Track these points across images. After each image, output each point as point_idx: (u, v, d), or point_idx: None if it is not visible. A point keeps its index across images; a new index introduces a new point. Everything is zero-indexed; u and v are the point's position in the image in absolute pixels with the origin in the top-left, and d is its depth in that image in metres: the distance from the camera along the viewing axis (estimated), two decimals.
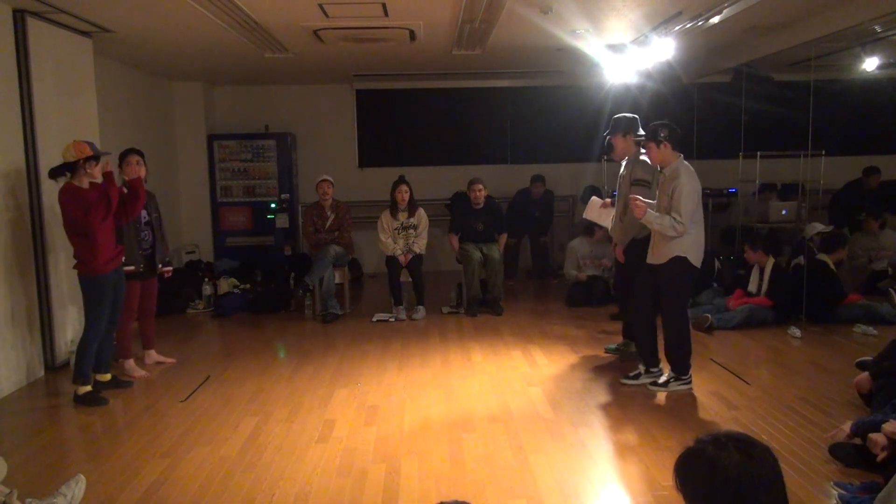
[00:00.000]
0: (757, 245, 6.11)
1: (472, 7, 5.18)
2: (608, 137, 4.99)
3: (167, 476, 3.31)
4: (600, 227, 7.09)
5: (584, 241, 7.22)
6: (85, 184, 4.32)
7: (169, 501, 3.07)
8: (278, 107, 9.05)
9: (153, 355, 5.25)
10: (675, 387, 4.39)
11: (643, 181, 4.71)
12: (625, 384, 4.53)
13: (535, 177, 8.33)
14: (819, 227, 6.38)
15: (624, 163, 4.96)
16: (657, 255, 4.39)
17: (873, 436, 3.06)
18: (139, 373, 4.97)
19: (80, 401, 4.36)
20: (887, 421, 3.09)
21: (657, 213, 4.26)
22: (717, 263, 7.15)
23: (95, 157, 4.29)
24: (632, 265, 4.74)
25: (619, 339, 5.30)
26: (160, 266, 5.19)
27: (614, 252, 5.10)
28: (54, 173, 4.34)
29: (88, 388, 4.40)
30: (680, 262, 4.27)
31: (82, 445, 3.85)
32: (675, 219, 4.17)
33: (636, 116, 4.91)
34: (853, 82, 8.30)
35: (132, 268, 4.85)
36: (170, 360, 5.28)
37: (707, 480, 1.46)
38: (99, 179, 4.38)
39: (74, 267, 4.43)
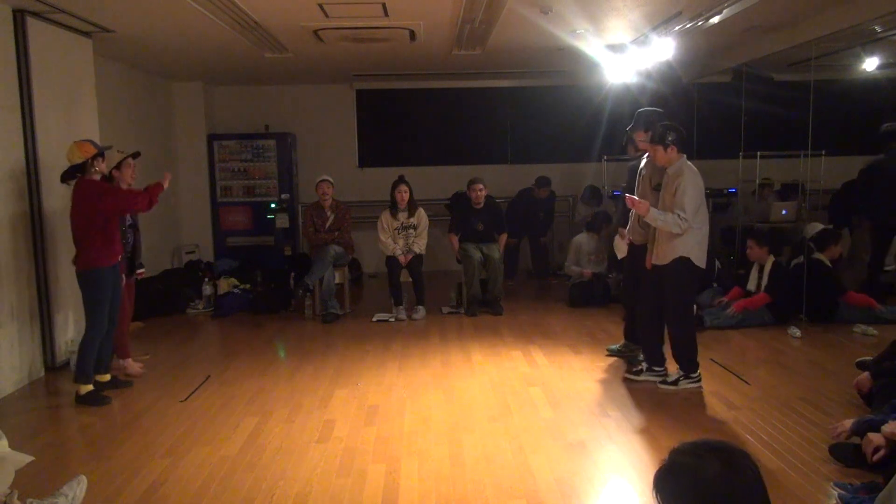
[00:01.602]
0: (763, 241, 6.10)
1: (472, 7, 5.18)
2: (630, 132, 4.89)
3: (167, 476, 3.31)
4: (608, 225, 7.13)
5: (589, 238, 7.20)
6: (96, 178, 4.37)
7: (169, 501, 3.07)
8: (278, 107, 9.05)
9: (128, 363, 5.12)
10: (686, 385, 4.41)
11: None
12: (629, 379, 4.56)
13: (540, 179, 8.27)
14: (820, 226, 6.38)
15: (644, 161, 4.82)
16: (660, 256, 4.39)
17: (871, 435, 3.06)
18: (135, 368, 5.00)
19: (83, 400, 4.36)
20: (887, 422, 3.09)
21: (660, 211, 4.26)
22: (717, 263, 7.16)
23: (101, 154, 4.34)
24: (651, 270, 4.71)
25: (621, 339, 5.29)
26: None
27: (627, 240, 5.04)
28: (66, 177, 4.36)
29: (90, 387, 4.40)
30: (683, 262, 4.27)
31: (82, 445, 3.85)
32: (678, 215, 4.18)
33: (660, 111, 4.81)
34: (853, 82, 8.29)
35: None
36: (138, 364, 5.12)
37: (689, 494, 1.42)
38: (106, 171, 4.44)
39: (75, 262, 4.42)
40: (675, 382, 4.43)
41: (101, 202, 4.28)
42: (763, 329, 5.84)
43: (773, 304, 5.94)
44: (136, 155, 4.80)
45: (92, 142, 4.40)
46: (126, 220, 5.01)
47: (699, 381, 4.43)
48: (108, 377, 4.63)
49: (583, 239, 7.21)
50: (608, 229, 7.08)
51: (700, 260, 4.32)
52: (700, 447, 1.46)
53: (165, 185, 4.54)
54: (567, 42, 6.29)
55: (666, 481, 1.49)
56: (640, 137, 4.79)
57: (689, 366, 4.43)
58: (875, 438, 3.02)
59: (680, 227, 4.19)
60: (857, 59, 6.85)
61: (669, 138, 4.28)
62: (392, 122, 9.37)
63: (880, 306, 5.97)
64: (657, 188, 4.56)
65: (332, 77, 8.68)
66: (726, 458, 1.43)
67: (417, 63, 7.68)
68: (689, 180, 4.23)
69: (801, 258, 6.03)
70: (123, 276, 4.91)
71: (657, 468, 1.52)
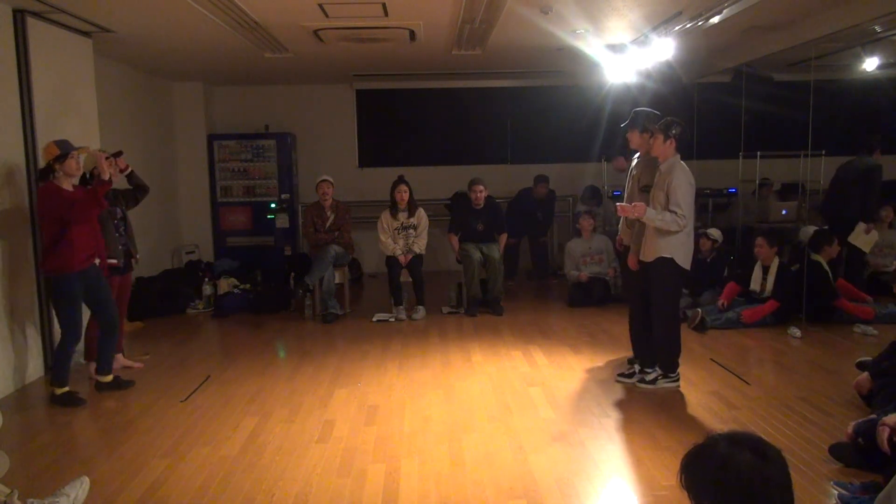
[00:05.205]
0: (773, 241, 6.09)
1: (472, 7, 5.18)
2: (625, 131, 4.85)
3: (167, 476, 3.31)
4: (590, 220, 7.15)
5: (578, 241, 7.23)
6: (67, 185, 4.32)
7: (169, 501, 3.07)
8: (278, 107, 9.05)
9: (120, 359, 5.12)
10: (664, 384, 4.42)
11: (650, 187, 4.64)
12: (619, 381, 4.58)
13: (538, 177, 8.30)
14: (812, 229, 6.38)
15: (635, 161, 4.80)
16: (646, 253, 4.39)
17: (886, 419, 3.01)
18: (126, 363, 5.03)
19: (57, 401, 4.35)
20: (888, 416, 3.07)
21: (656, 211, 4.26)
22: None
23: (62, 156, 4.25)
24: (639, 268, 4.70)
25: (622, 339, 5.29)
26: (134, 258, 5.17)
27: (620, 246, 5.03)
28: (39, 179, 4.39)
29: (66, 388, 4.39)
30: (666, 262, 4.27)
31: (82, 445, 3.85)
32: (675, 213, 4.17)
33: (658, 113, 4.73)
34: (853, 82, 8.29)
35: (115, 261, 4.86)
36: (138, 364, 5.17)
37: (718, 479, 1.44)
38: (77, 174, 4.38)
39: (42, 266, 4.43)
40: (654, 381, 4.44)
41: (49, 209, 4.26)
42: (763, 329, 5.84)
43: (780, 307, 5.94)
44: (117, 154, 4.75)
45: (59, 142, 4.30)
46: (116, 214, 5.01)
47: (677, 381, 4.44)
48: (110, 378, 4.62)
49: (573, 244, 7.23)
50: (585, 223, 7.10)
51: (685, 261, 4.30)
52: (736, 436, 1.49)
53: (106, 176, 4.36)
54: (567, 42, 6.29)
55: (697, 465, 1.50)
56: (635, 138, 4.76)
57: (669, 366, 4.44)
58: (889, 420, 2.98)
59: (678, 225, 4.18)
60: (857, 59, 6.84)
61: (673, 131, 4.27)
62: (392, 122, 9.37)
63: (871, 305, 5.98)
64: (645, 189, 4.54)
65: (332, 77, 8.68)
66: (760, 450, 1.45)
67: (417, 63, 7.68)
68: (681, 177, 4.22)
69: (798, 266, 6.05)
70: (121, 266, 4.93)
71: (687, 451, 1.53)
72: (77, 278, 4.33)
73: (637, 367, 4.61)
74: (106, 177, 4.36)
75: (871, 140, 6.85)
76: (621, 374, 4.65)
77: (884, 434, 2.98)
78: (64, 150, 4.28)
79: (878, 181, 6.72)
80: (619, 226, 4.95)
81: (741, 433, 1.51)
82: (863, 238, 6.72)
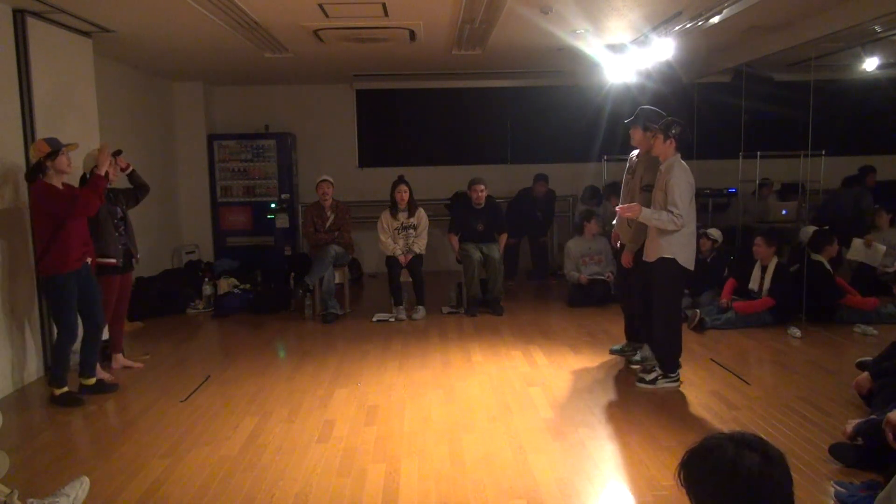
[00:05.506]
0: (772, 240, 6.09)
1: (472, 7, 5.19)
2: (629, 127, 4.80)
3: (167, 476, 3.31)
4: (589, 222, 7.15)
5: (578, 241, 7.22)
6: (57, 183, 4.31)
7: (169, 501, 3.07)
8: (278, 107, 9.06)
9: (120, 359, 5.14)
10: (664, 384, 4.42)
11: (652, 186, 4.65)
12: (640, 387, 4.49)
13: (537, 175, 8.31)
14: (812, 229, 6.39)
15: (635, 159, 4.80)
16: (648, 253, 4.41)
17: (891, 415, 2.98)
18: (126, 363, 5.03)
19: (57, 401, 4.34)
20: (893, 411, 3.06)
21: (653, 210, 4.26)
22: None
23: (54, 153, 4.24)
24: (640, 268, 4.71)
25: (622, 339, 5.29)
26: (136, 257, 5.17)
27: (616, 245, 5.03)
28: (29, 178, 4.37)
29: (65, 388, 4.38)
30: (668, 262, 4.27)
31: (82, 445, 3.85)
32: (671, 212, 4.17)
33: (661, 112, 4.72)
34: (853, 82, 8.30)
35: (113, 260, 4.85)
36: (138, 364, 5.16)
37: (725, 479, 1.43)
38: (68, 171, 4.36)
39: (37, 267, 4.41)
40: (654, 381, 4.44)
41: (46, 207, 4.25)
42: (763, 329, 5.84)
43: (774, 304, 5.94)
44: (117, 153, 4.75)
45: (49, 140, 4.30)
46: (117, 214, 5.01)
47: (677, 381, 4.45)
48: (92, 381, 4.56)
49: (573, 244, 7.22)
50: (592, 225, 7.10)
51: (687, 261, 4.30)
52: (741, 438, 1.48)
53: (102, 170, 4.37)
54: (567, 42, 6.29)
55: (700, 464, 1.49)
56: (637, 135, 4.75)
57: (669, 365, 4.44)
58: (893, 417, 2.97)
59: (675, 224, 4.18)
60: (857, 59, 6.85)
61: (673, 131, 4.27)
62: (392, 122, 9.37)
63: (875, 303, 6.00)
64: (647, 188, 4.54)
65: (332, 77, 8.68)
66: (765, 451, 1.45)
67: (417, 63, 7.68)
68: (679, 176, 4.22)
69: (798, 266, 6.05)
70: (120, 265, 4.92)
71: (688, 448, 1.52)
72: (70, 278, 4.33)
73: (641, 358, 4.59)
74: (102, 171, 4.37)
75: (865, 174, 7.37)
76: (643, 381, 4.52)
77: (889, 428, 2.98)
78: (54, 147, 4.26)
79: (869, 205, 6.93)
80: (615, 221, 4.96)
81: (745, 434, 1.50)
82: (864, 252, 6.75)
